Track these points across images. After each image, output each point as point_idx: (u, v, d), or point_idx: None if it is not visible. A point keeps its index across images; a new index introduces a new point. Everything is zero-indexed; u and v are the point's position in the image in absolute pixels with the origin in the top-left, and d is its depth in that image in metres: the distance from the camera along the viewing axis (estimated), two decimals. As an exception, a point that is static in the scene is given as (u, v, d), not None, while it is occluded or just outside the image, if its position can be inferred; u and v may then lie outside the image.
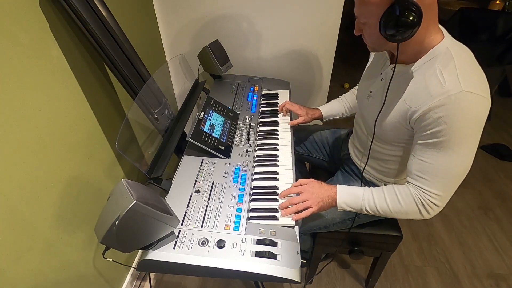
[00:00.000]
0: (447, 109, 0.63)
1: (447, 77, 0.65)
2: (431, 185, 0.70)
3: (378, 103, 0.81)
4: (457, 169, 0.68)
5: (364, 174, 0.98)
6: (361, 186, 0.91)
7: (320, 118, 1.18)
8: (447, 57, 0.67)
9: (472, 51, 0.69)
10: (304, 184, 0.82)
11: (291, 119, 1.13)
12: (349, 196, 0.80)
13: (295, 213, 0.77)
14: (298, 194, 0.81)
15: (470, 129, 0.65)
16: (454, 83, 0.63)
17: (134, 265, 1.33)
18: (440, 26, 0.70)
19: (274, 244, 0.69)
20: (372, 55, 0.95)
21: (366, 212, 0.79)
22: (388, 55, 0.83)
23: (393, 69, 0.73)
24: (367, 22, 0.68)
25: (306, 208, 0.78)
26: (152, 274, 1.39)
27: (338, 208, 0.80)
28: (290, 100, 1.24)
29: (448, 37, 0.70)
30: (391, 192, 0.77)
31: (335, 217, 0.98)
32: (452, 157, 0.67)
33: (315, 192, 0.80)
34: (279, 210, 0.78)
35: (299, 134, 1.26)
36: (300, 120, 1.13)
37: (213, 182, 0.85)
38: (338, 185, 0.82)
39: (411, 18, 0.59)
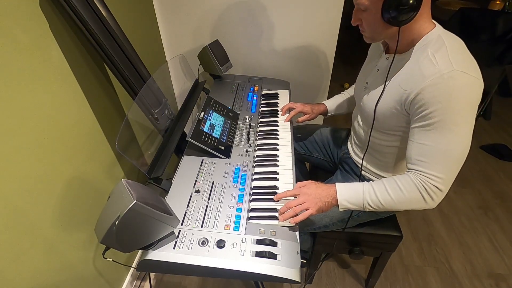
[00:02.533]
0: (440, 87, 0.65)
1: (439, 59, 0.67)
2: (432, 167, 0.70)
3: (374, 93, 0.82)
4: (456, 149, 0.68)
5: (362, 172, 0.98)
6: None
7: (325, 112, 1.17)
8: (439, 43, 0.69)
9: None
10: (302, 186, 0.80)
11: (291, 121, 1.13)
12: (350, 192, 0.78)
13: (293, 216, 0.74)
14: (295, 196, 0.79)
15: (465, 107, 0.65)
16: (446, 63, 0.65)
17: (134, 265, 1.33)
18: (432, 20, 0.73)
19: (274, 244, 0.69)
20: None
21: (368, 207, 0.77)
22: (383, 47, 0.84)
23: (393, 55, 0.76)
24: (368, 8, 0.69)
25: (304, 211, 0.75)
26: (152, 274, 1.39)
27: (339, 206, 0.78)
28: (290, 100, 1.24)
29: (439, 27, 0.72)
30: (392, 182, 0.76)
31: (334, 216, 0.98)
32: (450, 137, 0.67)
33: (312, 194, 0.78)
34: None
35: (300, 133, 1.26)
36: (305, 117, 1.13)
37: (213, 182, 0.85)
38: (336, 183, 0.80)
39: (412, 0, 0.62)
